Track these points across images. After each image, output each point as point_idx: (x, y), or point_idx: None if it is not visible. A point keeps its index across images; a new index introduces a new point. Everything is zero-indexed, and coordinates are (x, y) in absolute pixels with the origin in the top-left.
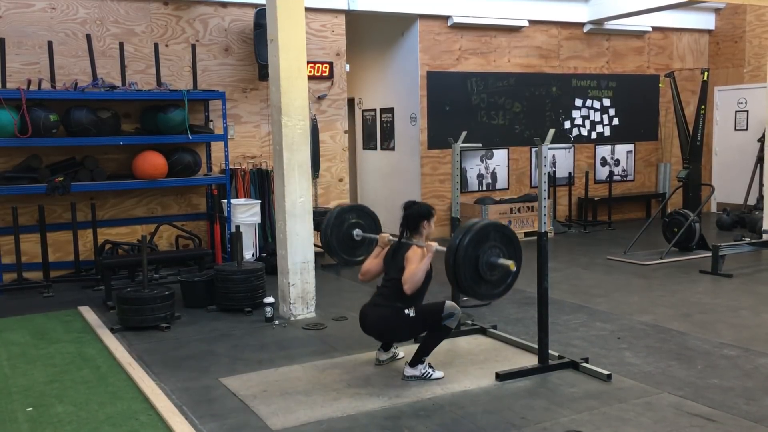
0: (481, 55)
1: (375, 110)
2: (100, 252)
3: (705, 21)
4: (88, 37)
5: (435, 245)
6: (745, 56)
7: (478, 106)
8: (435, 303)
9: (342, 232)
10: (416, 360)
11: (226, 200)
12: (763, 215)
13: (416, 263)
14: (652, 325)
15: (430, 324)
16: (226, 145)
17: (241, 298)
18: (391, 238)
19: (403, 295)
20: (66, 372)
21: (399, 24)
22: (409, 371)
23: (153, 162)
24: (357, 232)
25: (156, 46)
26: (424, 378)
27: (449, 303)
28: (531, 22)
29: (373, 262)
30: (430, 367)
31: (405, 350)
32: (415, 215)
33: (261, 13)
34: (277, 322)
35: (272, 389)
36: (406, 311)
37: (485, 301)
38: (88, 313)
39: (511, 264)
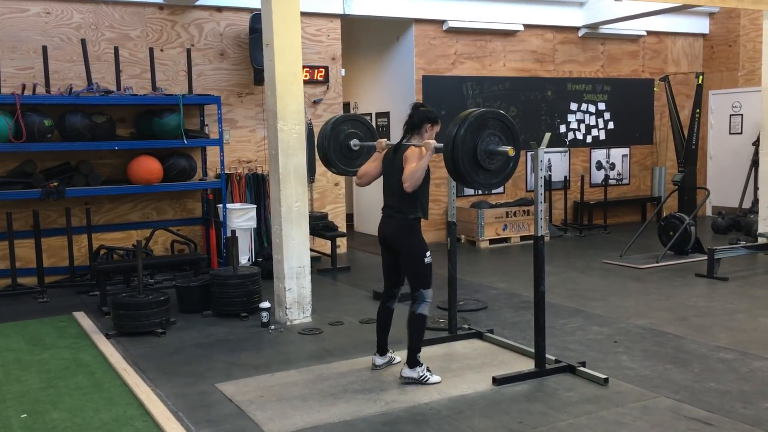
0: (476, 59)
1: (371, 114)
2: (95, 257)
3: (699, 25)
4: (83, 41)
5: (433, 143)
6: (739, 60)
7: (475, 106)
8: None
9: (339, 143)
10: (413, 360)
11: (221, 205)
12: (758, 218)
13: (415, 162)
14: (649, 328)
15: (414, 281)
16: (221, 150)
17: (236, 303)
18: (389, 142)
19: (407, 197)
20: (61, 378)
21: (394, 28)
22: (407, 372)
23: (148, 167)
24: (354, 141)
25: (151, 50)
26: (421, 381)
27: (432, 291)
28: (526, 26)
29: (370, 165)
30: (428, 371)
31: (402, 355)
32: (420, 115)
33: (256, 18)
34: (273, 327)
35: (268, 394)
36: (426, 259)
37: (483, 190)
38: (83, 319)
39: (509, 149)
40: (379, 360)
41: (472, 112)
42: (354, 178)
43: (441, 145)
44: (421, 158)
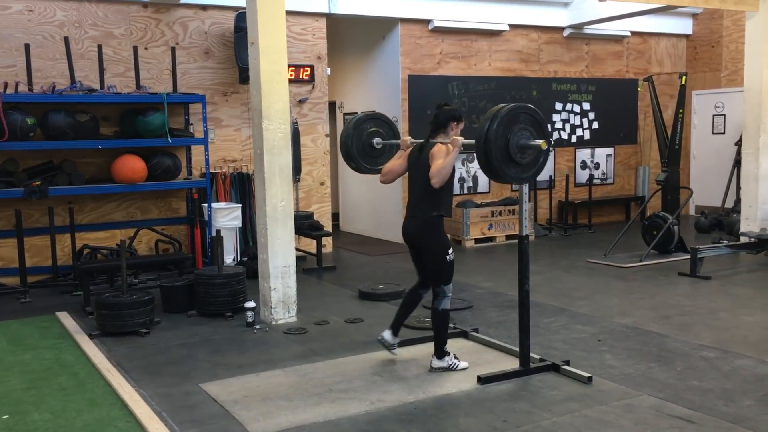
0: (462, 58)
1: (356, 114)
2: (78, 257)
3: (683, 26)
4: (66, 39)
5: (460, 139)
6: (722, 60)
7: (459, 110)
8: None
9: (362, 142)
10: (441, 351)
11: (206, 204)
12: (740, 218)
13: (442, 158)
14: (632, 327)
15: (435, 278)
16: (206, 149)
17: (221, 303)
18: (413, 141)
19: (431, 195)
20: (43, 379)
21: (380, 28)
22: (437, 363)
23: (132, 166)
24: (377, 140)
25: (135, 48)
26: (451, 369)
27: (452, 285)
28: (511, 26)
29: (395, 163)
30: (456, 358)
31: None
32: (446, 114)
33: (241, 16)
34: (258, 326)
35: (253, 394)
36: (448, 257)
37: (515, 184)
38: (65, 319)
39: (542, 143)
40: (388, 335)
41: (504, 106)
42: (378, 175)
43: (469, 141)
44: (448, 154)
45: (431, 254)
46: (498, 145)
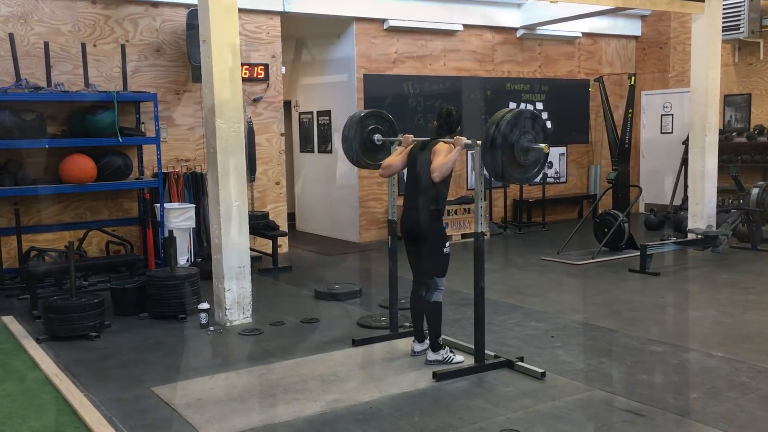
0: (417, 58)
1: (312, 113)
2: (25, 259)
3: (632, 27)
4: (11, 36)
5: (464, 139)
6: (669, 62)
7: (415, 109)
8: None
9: (363, 138)
10: (435, 344)
11: (159, 204)
12: (688, 215)
13: (445, 155)
14: (584, 323)
15: (430, 269)
16: (158, 148)
17: (174, 305)
18: (414, 138)
19: (430, 190)
20: None
21: (335, 26)
22: (432, 356)
23: (81, 165)
24: (377, 137)
25: (83, 46)
26: (446, 362)
27: (444, 279)
28: (465, 26)
29: (396, 158)
30: (451, 352)
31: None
32: (458, 119)
33: (193, 14)
34: (212, 328)
35: (207, 397)
36: (445, 249)
37: (518, 183)
38: (12, 323)
39: (545, 146)
40: (418, 346)
41: (508, 111)
42: (379, 170)
43: (479, 142)
44: (451, 152)
45: (429, 245)
46: (504, 148)
